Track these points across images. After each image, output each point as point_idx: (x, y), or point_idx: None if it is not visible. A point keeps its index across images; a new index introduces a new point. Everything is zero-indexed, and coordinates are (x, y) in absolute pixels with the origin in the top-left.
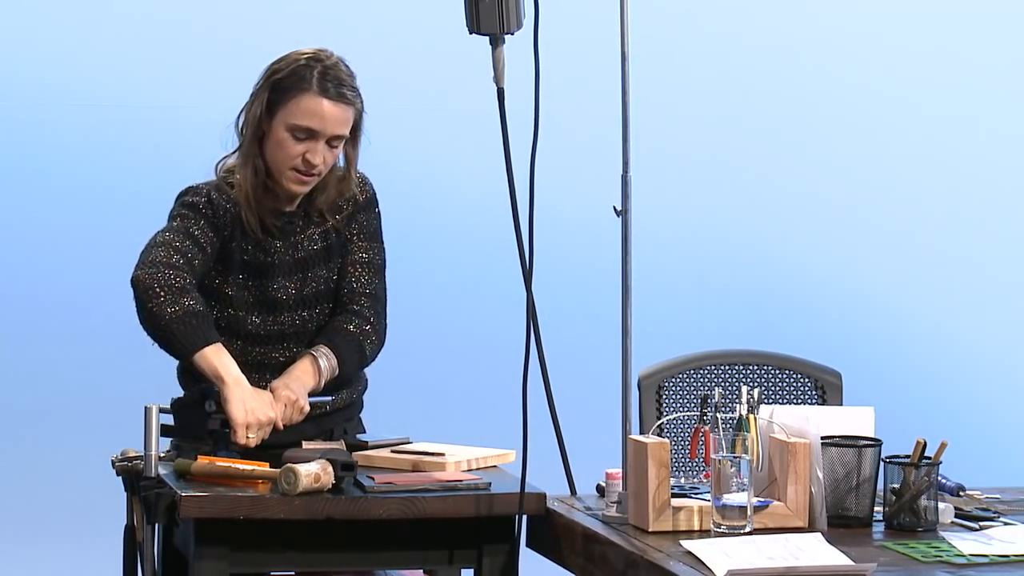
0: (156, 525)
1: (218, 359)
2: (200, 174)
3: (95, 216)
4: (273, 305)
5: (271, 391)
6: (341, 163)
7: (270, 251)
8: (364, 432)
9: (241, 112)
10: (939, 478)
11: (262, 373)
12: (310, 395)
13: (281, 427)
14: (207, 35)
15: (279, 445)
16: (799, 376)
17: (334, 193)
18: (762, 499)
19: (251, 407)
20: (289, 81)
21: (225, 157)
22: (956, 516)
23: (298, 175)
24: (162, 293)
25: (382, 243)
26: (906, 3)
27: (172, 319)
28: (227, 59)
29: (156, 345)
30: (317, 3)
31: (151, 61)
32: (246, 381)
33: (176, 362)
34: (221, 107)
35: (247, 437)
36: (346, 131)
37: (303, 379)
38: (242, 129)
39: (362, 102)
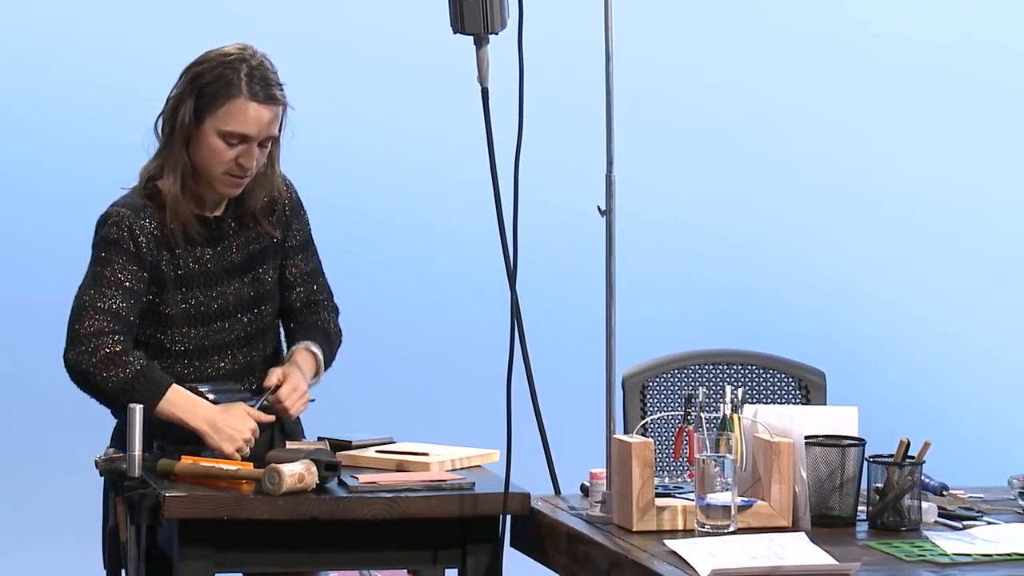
0: (140, 525)
1: (177, 408)
2: None
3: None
4: (214, 315)
5: (284, 376)
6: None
7: (201, 260)
8: (302, 430)
9: (160, 115)
10: (922, 477)
11: (214, 384)
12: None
13: (292, 416)
14: (206, 35)
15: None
16: (783, 376)
17: (261, 193)
18: (746, 499)
19: (231, 435)
20: (216, 86)
21: (151, 162)
22: (939, 515)
23: (232, 178)
24: (98, 371)
25: (315, 246)
26: None
27: (119, 392)
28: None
29: None
30: (303, 3)
31: (150, 61)
32: (211, 413)
33: None
34: None
35: (241, 455)
36: (276, 131)
37: (305, 368)
38: (164, 132)
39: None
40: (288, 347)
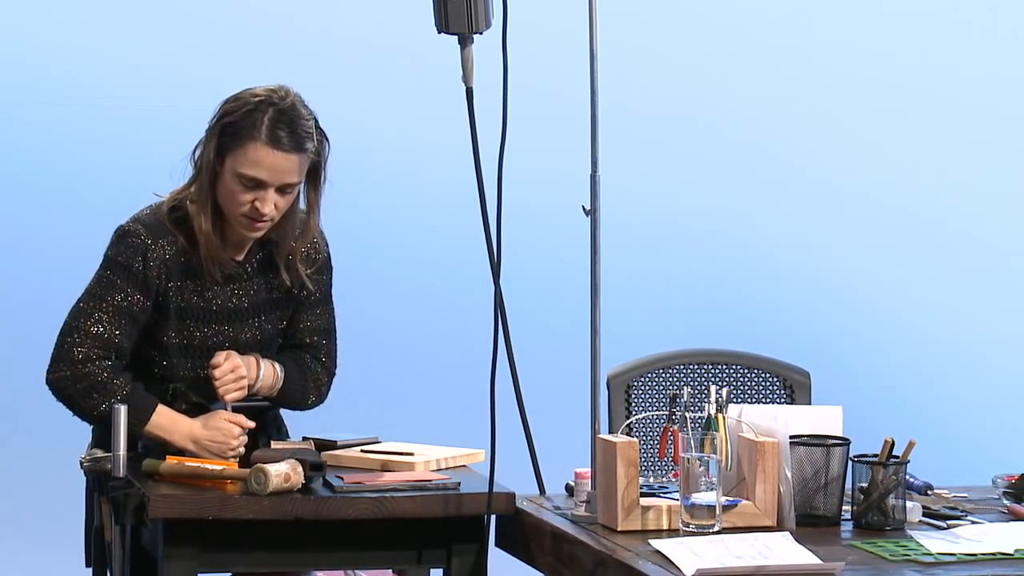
0: (125, 525)
1: (160, 430)
2: None
3: (77, 216)
4: (205, 351)
5: (226, 354)
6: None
7: (208, 298)
8: (286, 431)
9: (197, 146)
10: (907, 477)
11: (194, 416)
12: (250, 395)
13: (226, 401)
14: (204, 34)
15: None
16: (768, 375)
17: (294, 243)
18: (731, 498)
19: (218, 448)
20: (238, 126)
21: (183, 189)
22: (924, 515)
23: (249, 220)
24: (78, 399)
25: (332, 304)
26: None
27: (102, 417)
28: (221, 57)
29: None
30: (290, 3)
31: (151, 61)
32: (194, 425)
33: None
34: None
35: (237, 453)
36: (296, 179)
37: (257, 368)
38: (198, 164)
39: (321, 143)
40: None
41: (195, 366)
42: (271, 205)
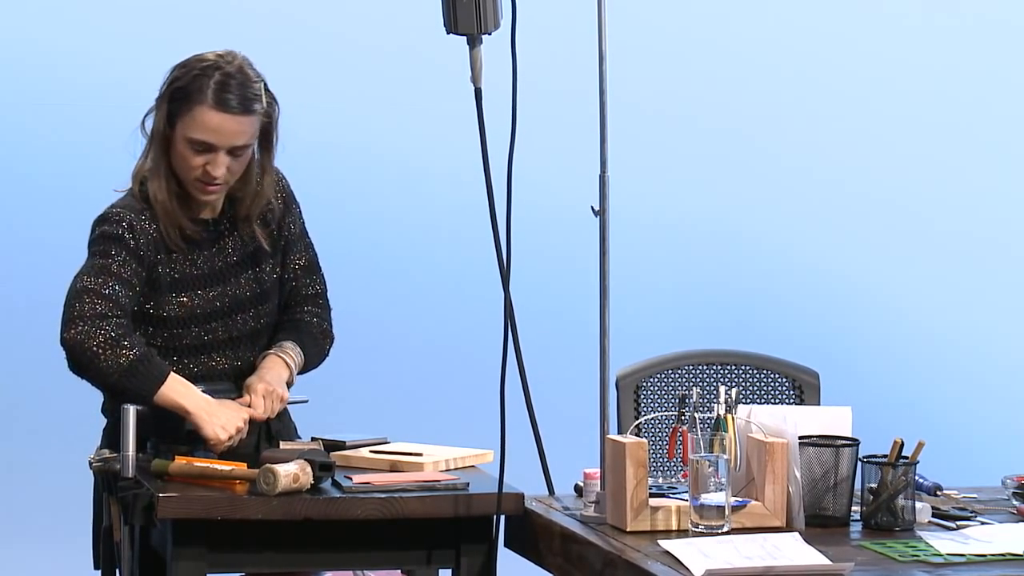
0: (134, 526)
1: (175, 393)
2: None
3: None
4: (210, 315)
5: (247, 388)
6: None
7: (197, 263)
8: (296, 430)
9: (147, 115)
10: (916, 478)
11: (207, 384)
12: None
13: (263, 418)
14: (209, 35)
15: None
16: (777, 376)
17: (251, 201)
18: (740, 499)
19: (222, 424)
20: (186, 91)
21: (141, 163)
22: (933, 516)
23: (202, 185)
24: (100, 352)
25: (309, 239)
26: None
27: (121, 375)
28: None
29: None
30: (296, 2)
31: (150, 61)
32: (207, 399)
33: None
34: None
35: (226, 446)
36: (246, 140)
37: (276, 371)
38: (150, 134)
39: (270, 105)
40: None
41: (198, 334)
42: (222, 168)
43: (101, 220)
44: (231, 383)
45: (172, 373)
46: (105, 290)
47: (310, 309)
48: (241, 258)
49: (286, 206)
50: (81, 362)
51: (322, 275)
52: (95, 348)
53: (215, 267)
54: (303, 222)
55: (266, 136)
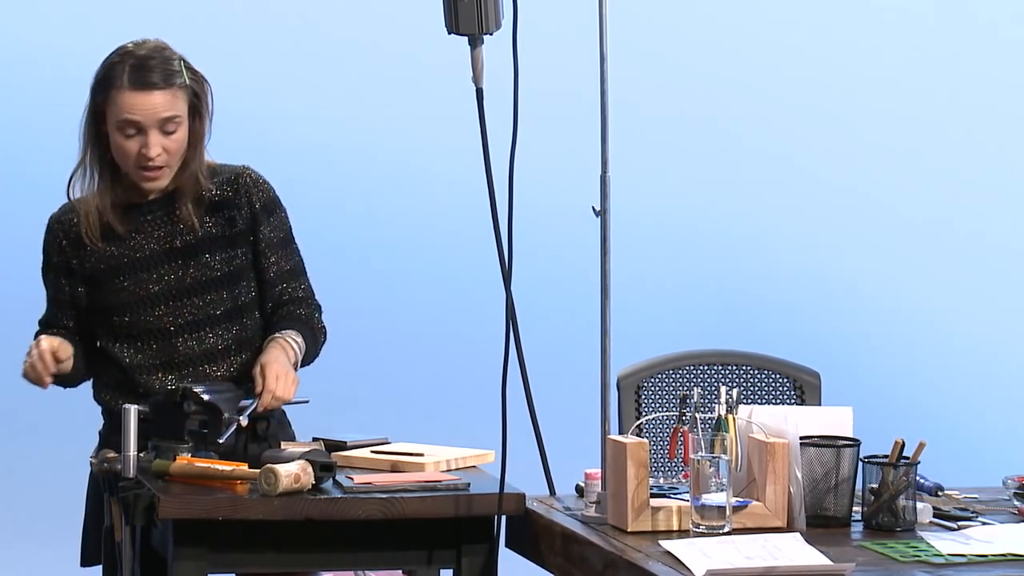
0: (135, 526)
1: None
2: None
3: None
4: (153, 298)
5: (260, 369)
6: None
7: (134, 247)
8: (290, 428)
9: (81, 121)
10: (917, 478)
11: (207, 384)
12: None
13: (282, 399)
14: (212, 35)
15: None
16: (778, 376)
17: (188, 183)
18: (741, 499)
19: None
20: (105, 80)
21: (76, 167)
22: (934, 516)
23: (144, 171)
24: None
25: (296, 244)
26: None
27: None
28: (229, 58)
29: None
30: (298, 3)
31: None
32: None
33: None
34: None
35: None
36: (171, 113)
37: (284, 355)
38: (84, 136)
39: (194, 81)
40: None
41: (150, 318)
42: (157, 147)
43: (44, 239)
44: (231, 383)
45: (41, 338)
46: (41, 319)
47: (303, 310)
48: (188, 245)
49: (266, 209)
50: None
51: (308, 281)
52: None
53: (151, 251)
54: (289, 228)
55: (197, 110)
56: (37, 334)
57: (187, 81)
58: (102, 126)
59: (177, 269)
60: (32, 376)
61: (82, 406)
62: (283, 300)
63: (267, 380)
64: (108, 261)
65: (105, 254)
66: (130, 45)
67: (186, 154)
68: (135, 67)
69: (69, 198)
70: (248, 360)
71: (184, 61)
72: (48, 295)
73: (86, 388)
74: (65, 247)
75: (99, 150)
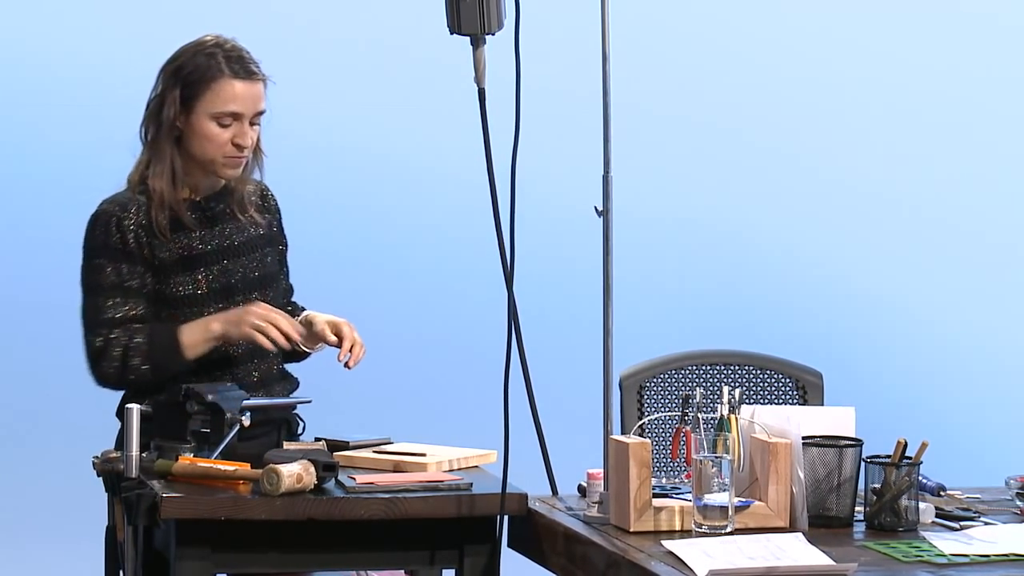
0: (137, 526)
1: (198, 337)
2: None
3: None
4: (223, 292)
5: (333, 324)
6: None
7: (206, 240)
8: (302, 424)
9: (146, 118)
10: (920, 478)
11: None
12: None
13: (360, 352)
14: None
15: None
16: (780, 376)
17: (248, 180)
18: (743, 499)
19: (251, 321)
20: (199, 72)
21: (139, 164)
22: (937, 516)
23: (232, 159)
24: (123, 377)
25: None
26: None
27: (154, 374)
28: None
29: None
30: (300, 3)
31: (150, 60)
32: (225, 316)
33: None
34: None
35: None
36: (264, 106)
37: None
38: (150, 133)
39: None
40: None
41: (213, 311)
42: (248, 137)
43: (91, 224)
44: (234, 384)
45: (181, 328)
46: (103, 315)
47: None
48: (242, 241)
49: (279, 221)
50: (118, 388)
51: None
52: (118, 376)
53: (220, 246)
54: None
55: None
56: (109, 331)
57: (266, 75)
58: (176, 119)
59: (245, 265)
60: (274, 334)
61: (97, 406)
62: (288, 312)
63: (347, 334)
64: (179, 252)
65: (176, 245)
66: (209, 38)
67: (257, 153)
68: (234, 59)
69: (132, 192)
70: (270, 361)
71: None
72: (104, 288)
73: (91, 390)
74: (141, 234)
75: (175, 147)
